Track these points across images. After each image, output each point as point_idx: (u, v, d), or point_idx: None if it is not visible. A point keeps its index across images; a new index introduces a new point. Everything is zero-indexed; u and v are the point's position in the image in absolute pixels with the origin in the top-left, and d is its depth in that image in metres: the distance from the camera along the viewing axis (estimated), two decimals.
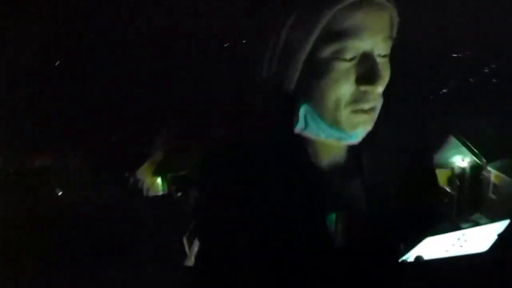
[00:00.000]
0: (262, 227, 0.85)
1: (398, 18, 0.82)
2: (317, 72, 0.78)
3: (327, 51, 0.76)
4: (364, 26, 0.75)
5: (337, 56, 0.76)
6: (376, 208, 0.88)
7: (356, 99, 0.79)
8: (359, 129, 0.83)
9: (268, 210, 0.85)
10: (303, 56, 0.79)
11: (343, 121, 0.81)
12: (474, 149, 17.98)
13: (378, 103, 0.83)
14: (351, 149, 0.91)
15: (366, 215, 0.89)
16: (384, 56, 0.80)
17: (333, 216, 0.87)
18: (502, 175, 16.62)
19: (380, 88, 0.79)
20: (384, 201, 0.89)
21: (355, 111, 0.80)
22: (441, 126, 19.23)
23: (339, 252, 0.87)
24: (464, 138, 18.29)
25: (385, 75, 0.80)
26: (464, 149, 18.15)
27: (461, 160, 18.26)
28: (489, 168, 17.28)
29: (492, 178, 17.18)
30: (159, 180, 23.34)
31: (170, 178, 22.62)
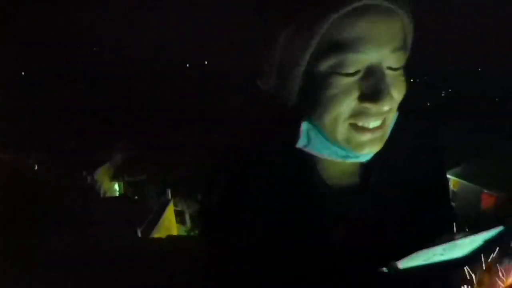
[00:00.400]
0: (266, 240, 0.82)
1: (412, 25, 0.73)
2: (316, 87, 0.71)
3: (325, 65, 0.68)
4: (368, 37, 0.66)
5: (337, 70, 0.68)
6: (382, 226, 0.81)
7: (356, 113, 0.71)
8: (365, 150, 0.74)
9: (271, 223, 0.81)
10: (300, 70, 0.71)
11: (342, 138, 0.73)
12: None
13: (387, 119, 0.74)
14: (362, 166, 0.84)
15: (371, 230, 0.81)
16: (396, 69, 0.70)
17: (338, 229, 0.82)
18: (461, 181, 17.22)
19: (386, 106, 0.69)
20: (391, 220, 0.82)
21: (356, 128, 0.72)
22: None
23: (341, 265, 0.81)
24: None
25: (396, 90, 0.71)
26: None
27: None
28: (448, 176, 17.83)
29: (451, 186, 17.53)
30: (116, 185, 23.56)
31: (128, 183, 22.95)
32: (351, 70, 0.67)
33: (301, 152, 0.80)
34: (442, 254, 0.63)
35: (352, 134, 0.72)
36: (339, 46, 0.66)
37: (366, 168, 0.83)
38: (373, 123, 0.71)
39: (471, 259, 0.59)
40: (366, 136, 0.72)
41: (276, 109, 0.81)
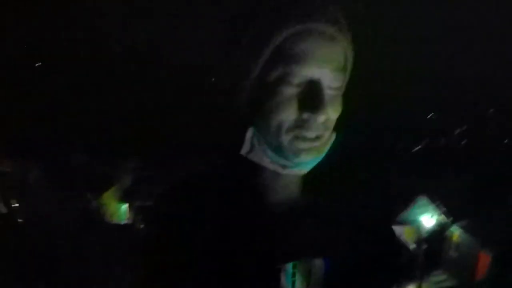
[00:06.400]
0: (207, 269, 0.85)
1: (353, 52, 0.85)
2: (263, 95, 0.81)
3: (274, 75, 0.79)
4: (311, 54, 0.78)
5: (283, 80, 0.78)
6: (332, 251, 0.88)
7: (298, 125, 0.80)
8: (302, 156, 0.82)
9: (214, 252, 0.85)
10: (251, 77, 0.82)
11: (285, 146, 0.82)
12: (442, 208, 19.06)
13: (325, 133, 0.84)
14: (305, 184, 0.92)
15: (322, 262, 0.88)
16: (335, 88, 0.82)
17: (290, 267, 0.85)
18: (463, 234, 17.65)
19: (322, 117, 0.79)
20: (341, 243, 0.89)
21: (297, 137, 0.81)
22: (411, 184, 20.44)
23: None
24: (431, 197, 19.43)
25: (332, 106, 0.82)
26: (431, 207, 19.27)
27: (428, 218, 19.27)
28: (452, 228, 18.35)
29: (454, 237, 18.23)
30: (123, 207, 22.90)
31: (136, 208, 22.12)
32: (295, 81, 0.78)
33: (244, 162, 0.88)
34: None
35: (292, 142, 0.81)
36: (287, 59, 0.78)
37: (304, 183, 0.92)
38: (312, 134, 0.81)
39: None
40: (305, 144, 0.81)
41: (226, 117, 0.92)
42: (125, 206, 22.86)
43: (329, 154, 0.87)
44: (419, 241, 18.57)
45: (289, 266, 0.85)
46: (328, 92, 0.80)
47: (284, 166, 0.86)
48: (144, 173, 23.77)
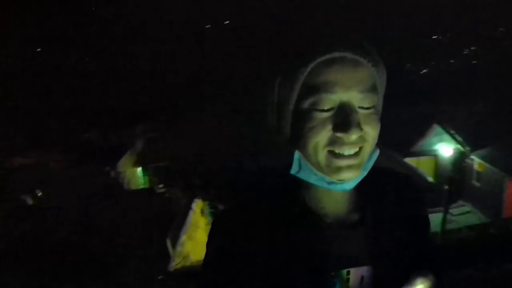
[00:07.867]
0: (267, 284, 0.92)
1: (382, 73, 0.90)
2: (300, 121, 0.87)
3: (306, 103, 0.85)
4: (337, 81, 0.83)
5: (314, 107, 0.85)
6: (381, 262, 0.94)
7: (332, 142, 0.85)
8: (342, 174, 0.87)
9: (271, 267, 0.92)
10: (290, 108, 0.89)
11: (323, 163, 0.87)
12: (458, 137, 18.80)
13: (362, 151, 0.88)
14: (353, 197, 0.98)
15: (372, 270, 0.94)
16: (367, 108, 0.86)
17: (344, 273, 0.92)
18: (485, 164, 17.28)
19: (354, 135, 0.84)
20: (388, 254, 0.95)
21: (334, 155, 0.86)
22: (425, 113, 20.11)
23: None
24: (447, 126, 19.06)
25: (368, 126, 0.87)
26: (447, 136, 18.93)
27: (445, 147, 18.95)
28: (472, 156, 18.07)
29: (476, 166, 17.95)
30: (139, 171, 23.20)
31: (152, 169, 22.48)
32: (326, 107, 0.84)
33: (291, 184, 0.97)
34: None
35: (330, 160, 0.86)
36: (316, 88, 0.84)
37: (351, 199, 0.98)
38: (347, 151, 0.86)
39: None
40: (343, 162, 0.86)
41: (276, 141, 0.97)
42: (140, 170, 23.13)
43: (373, 171, 0.94)
44: (439, 172, 18.51)
45: (343, 273, 0.92)
46: (360, 111, 0.86)
47: (329, 183, 0.90)
48: (153, 135, 24.00)
